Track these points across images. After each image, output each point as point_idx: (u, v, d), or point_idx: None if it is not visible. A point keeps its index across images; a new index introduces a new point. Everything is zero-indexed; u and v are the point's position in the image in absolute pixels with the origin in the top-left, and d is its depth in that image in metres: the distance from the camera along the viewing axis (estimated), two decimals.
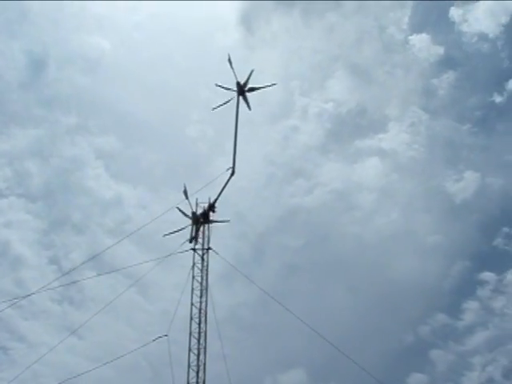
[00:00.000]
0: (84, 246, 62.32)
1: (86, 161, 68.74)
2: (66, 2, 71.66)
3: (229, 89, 35.01)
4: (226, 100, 35.20)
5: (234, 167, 33.99)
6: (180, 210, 34.87)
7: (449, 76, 72.32)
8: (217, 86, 35.29)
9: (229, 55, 34.32)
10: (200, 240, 34.39)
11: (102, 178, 67.83)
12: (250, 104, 35.13)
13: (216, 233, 34.87)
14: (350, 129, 73.71)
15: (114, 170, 68.20)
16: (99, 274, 40.67)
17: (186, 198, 34.93)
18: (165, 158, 69.85)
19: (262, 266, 61.84)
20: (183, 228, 34.68)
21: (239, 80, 34.84)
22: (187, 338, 32.42)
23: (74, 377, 35.87)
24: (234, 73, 34.76)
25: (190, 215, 34.70)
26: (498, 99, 70.30)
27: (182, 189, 35.02)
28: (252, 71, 34.81)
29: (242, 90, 34.77)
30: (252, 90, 34.90)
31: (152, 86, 72.22)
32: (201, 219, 34.41)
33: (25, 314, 57.24)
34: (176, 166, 68.89)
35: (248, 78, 34.78)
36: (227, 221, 35.08)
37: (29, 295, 37.24)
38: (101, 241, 60.29)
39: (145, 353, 36.30)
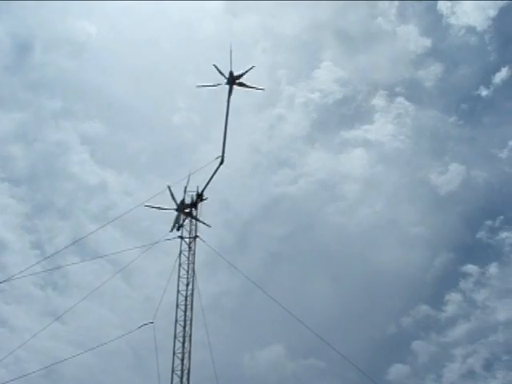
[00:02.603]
0: (68, 232, 62.02)
1: (71, 146, 68.10)
2: None
3: (222, 74, 34.85)
4: (214, 84, 35.08)
5: (223, 156, 34.04)
6: (171, 194, 34.79)
7: (436, 68, 72.44)
8: (214, 66, 34.97)
9: (230, 45, 34.08)
10: (187, 228, 34.46)
11: (86, 163, 67.27)
12: (236, 94, 35.08)
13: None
14: (336, 119, 73.74)
15: (99, 156, 67.69)
16: (84, 260, 40.64)
17: (173, 199, 34.69)
18: (150, 145, 69.50)
19: (245, 254, 61.99)
20: (178, 220, 34.44)
21: (232, 70, 34.74)
22: (170, 326, 32.54)
23: (57, 362, 35.93)
24: (231, 61, 34.55)
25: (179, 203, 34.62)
26: (484, 92, 70.69)
27: (168, 176, 35.64)
28: (251, 68, 34.81)
29: (233, 80, 34.63)
30: (241, 85, 34.83)
31: (138, 71, 71.74)
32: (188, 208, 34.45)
33: (6, 298, 57.03)
34: (161, 153, 68.72)
35: (244, 73, 34.74)
36: (208, 226, 34.68)
37: (9, 279, 36.88)
38: (85, 226, 59.91)
39: (128, 339, 36.24)
